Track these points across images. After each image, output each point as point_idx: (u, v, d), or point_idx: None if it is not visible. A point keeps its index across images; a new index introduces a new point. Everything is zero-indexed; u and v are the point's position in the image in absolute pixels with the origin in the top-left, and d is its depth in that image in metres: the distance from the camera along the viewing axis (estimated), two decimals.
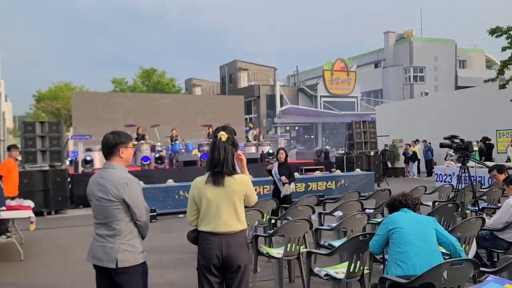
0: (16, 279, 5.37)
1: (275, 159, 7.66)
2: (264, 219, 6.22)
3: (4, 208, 6.06)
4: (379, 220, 6.00)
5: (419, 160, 19.58)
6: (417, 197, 3.82)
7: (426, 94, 35.77)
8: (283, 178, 7.21)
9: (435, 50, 40.40)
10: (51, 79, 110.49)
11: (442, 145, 6.56)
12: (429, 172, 18.83)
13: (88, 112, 21.29)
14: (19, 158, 10.75)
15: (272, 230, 5.20)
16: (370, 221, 5.57)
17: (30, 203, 7.12)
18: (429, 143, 19.12)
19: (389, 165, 20.19)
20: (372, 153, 15.59)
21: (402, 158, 20.26)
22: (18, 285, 5.22)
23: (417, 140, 20.04)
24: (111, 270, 2.79)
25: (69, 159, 18.62)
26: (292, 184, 7.50)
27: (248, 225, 5.37)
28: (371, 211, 6.81)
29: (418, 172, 19.66)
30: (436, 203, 6.87)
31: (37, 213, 9.82)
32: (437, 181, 14.89)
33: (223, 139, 2.95)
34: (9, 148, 8.35)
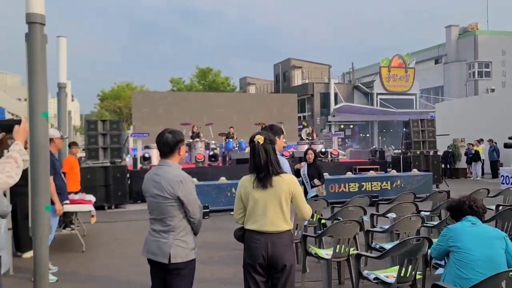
0: (78, 269, 5.70)
1: (303, 160, 7.44)
2: (314, 219, 6.16)
3: (67, 201, 6.44)
4: (435, 223, 5.75)
5: (483, 161, 18.51)
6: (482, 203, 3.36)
7: (493, 90, 33.66)
8: (316, 181, 7.03)
9: (502, 43, 37.93)
10: (114, 79, 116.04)
11: (506, 145, 6.17)
12: (494, 174, 17.72)
13: (147, 111, 22.13)
14: (82, 154, 11.37)
15: (322, 231, 5.13)
16: (425, 224, 5.34)
17: (91, 197, 7.50)
18: (495, 143, 17.99)
19: (450, 166, 19.25)
20: (430, 153, 14.94)
21: (463, 158, 19.25)
22: (79, 275, 5.53)
23: (481, 140, 18.93)
24: (164, 264, 2.88)
25: (129, 155, 19.48)
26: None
27: (297, 224, 5.40)
28: (427, 213, 6.55)
29: (482, 173, 18.59)
30: (500, 207, 6.46)
31: (99, 207, 10.38)
32: (503, 183, 13.98)
33: (261, 142, 2.94)
34: (70, 145, 8.84)
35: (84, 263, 6.09)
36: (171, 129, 3.09)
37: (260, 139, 2.95)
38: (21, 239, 6.41)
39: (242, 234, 3.00)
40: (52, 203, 5.59)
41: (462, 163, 19.43)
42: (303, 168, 7.19)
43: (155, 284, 3.04)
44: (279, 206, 2.88)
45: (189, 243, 2.95)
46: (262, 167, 2.89)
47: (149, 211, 3.04)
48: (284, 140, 3.97)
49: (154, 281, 3.04)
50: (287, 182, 2.91)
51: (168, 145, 2.98)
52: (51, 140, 5.91)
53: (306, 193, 7.01)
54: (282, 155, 3.65)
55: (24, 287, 5.03)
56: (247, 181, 2.98)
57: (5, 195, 3.74)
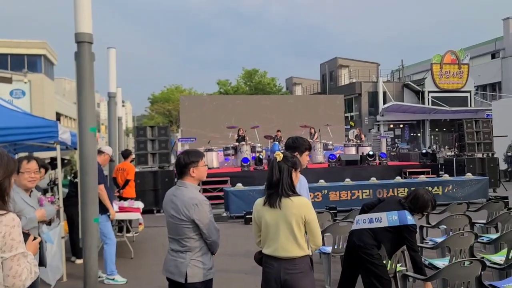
0: (126, 276, 5.86)
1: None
2: None
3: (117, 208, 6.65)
4: (491, 236, 5.41)
5: None
6: None
7: None
8: None
9: None
10: (165, 82, 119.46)
11: None
12: None
13: (194, 115, 22.53)
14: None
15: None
16: (479, 241, 5.03)
17: (140, 204, 7.72)
18: None
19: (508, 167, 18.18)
20: (486, 156, 14.16)
21: None
22: (128, 284, 5.70)
23: None
24: (181, 284, 2.90)
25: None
26: None
27: (341, 237, 5.28)
28: (482, 225, 6.19)
29: None
30: None
31: (148, 211, 10.69)
32: None
33: (278, 158, 2.85)
34: (127, 153, 9.08)
35: (132, 270, 6.27)
36: (188, 150, 3.12)
37: (278, 155, 2.87)
38: (77, 246, 6.71)
39: (261, 258, 2.95)
40: (106, 210, 5.82)
41: None
42: None
43: None
44: (290, 230, 2.77)
45: (206, 263, 2.95)
46: (273, 184, 2.81)
47: (167, 230, 3.07)
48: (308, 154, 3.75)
49: None
50: (297, 206, 2.78)
51: (179, 165, 3.01)
52: (103, 153, 6.16)
53: None
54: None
55: None
56: (259, 204, 2.92)
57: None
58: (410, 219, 3.72)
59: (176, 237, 2.97)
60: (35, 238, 2.30)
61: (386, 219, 3.77)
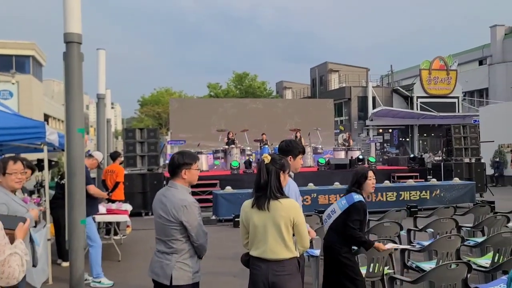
0: (113, 279, 5.80)
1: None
2: None
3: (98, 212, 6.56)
4: (479, 240, 5.47)
5: None
6: None
7: None
8: None
9: None
10: (155, 85, 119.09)
11: None
12: None
13: (184, 118, 22.47)
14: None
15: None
16: (466, 244, 5.08)
17: (128, 207, 7.67)
18: None
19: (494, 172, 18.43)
20: (473, 160, 14.34)
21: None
22: (115, 286, 5.64)
23: None
24: (166, 286, 2.88)
25: (167, 162, 19.85)
26: None
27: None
28: (469, 228, 6.26)
29: None
30: None
31: (136, 213, 10.61)
32: None
33: (266, 161, 2.85)
34: (115, 155, 9.01)
35: (119, 273, 6.21)
36: (184, 151, 3.08)
37: (266, 158, 2.87)
38: (63, 248, 6.63)
39: (248, 260, 2.94)
40: (91, 212, 5.78)
41: (508, 170, 18.55)
42: None
43: None
44: (278, 232, 2.76)
45: (192, 266, 2.93)
46: (261, 187, 2.81)
47: (155, 231, 3.05)
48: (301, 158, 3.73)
49: None
50: (286, 208, 2.77)
51: (171, 165, 2.99)
52: (93, 157, 6.13)
53: None
54: (290, 176, 3.46)
55: None
56: (247, 206, 2.91)
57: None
58: (356, 197, 3.85)
59: (163, 238, 2.94)
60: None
61: (338, 207, 3.92)
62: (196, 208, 2.93)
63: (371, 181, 3.96)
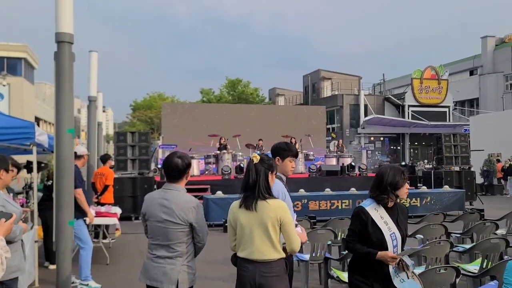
0: (101, 282, 5.73)
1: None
2: (338, 238, 6.01)
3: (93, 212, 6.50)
4: (466, 246, 5.50)
5: None
6: None
7: None
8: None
9: None
10: (147, 90, 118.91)
11: None
12: None
13: (176, 122, 22.43)
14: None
15: (346, 252, 4.99)
16: (454, 250, 5.11)
17: (117, 210, 7.60)
18: None
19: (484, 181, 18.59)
20: (463, 169, 14.45)
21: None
22: None
23: None
24: None
25: (159, 166, 19.73)
26: None
27: (320, 244, 5.28)
28: (458, 235, 6.29)
29: None
30: None
31: (126, 217, 10.52)
32: None
33: (255, 161, 2.84)
34: (105, 158, 8.91)
35: (107, 276, 6.15)
36: (180, 153, 3.02)
37: (255, 157, 2.87)
38: (51, 251, 6.54)
39: (236, 261, 2.93)
40: (83, 214, 5.70)
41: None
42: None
43: None
44: (265, 233, 2.75)
45: (194, 268, 2.93)
46: (249, 187, 2.80)
47: (150, 236, 2.96)
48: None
49: None
50: (273, 208, 2.75)
51: (178, 170, 2.92)
52: (82, 156, 6.04)
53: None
54: (282, 179, 3.44)
55: None
56: (234, 206, 2.89)
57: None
58: (361, 204, 3.17)
59: (165, 243, 2.87)
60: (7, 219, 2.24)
61: None
62: (202, 208, 2.96)
63: (394, 192, 3.14)
